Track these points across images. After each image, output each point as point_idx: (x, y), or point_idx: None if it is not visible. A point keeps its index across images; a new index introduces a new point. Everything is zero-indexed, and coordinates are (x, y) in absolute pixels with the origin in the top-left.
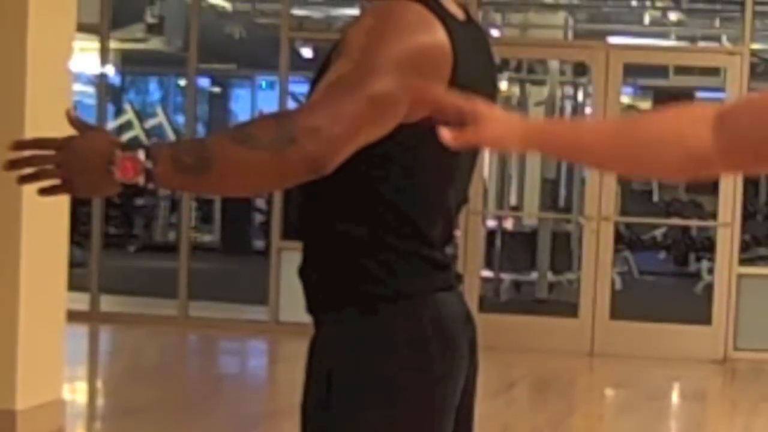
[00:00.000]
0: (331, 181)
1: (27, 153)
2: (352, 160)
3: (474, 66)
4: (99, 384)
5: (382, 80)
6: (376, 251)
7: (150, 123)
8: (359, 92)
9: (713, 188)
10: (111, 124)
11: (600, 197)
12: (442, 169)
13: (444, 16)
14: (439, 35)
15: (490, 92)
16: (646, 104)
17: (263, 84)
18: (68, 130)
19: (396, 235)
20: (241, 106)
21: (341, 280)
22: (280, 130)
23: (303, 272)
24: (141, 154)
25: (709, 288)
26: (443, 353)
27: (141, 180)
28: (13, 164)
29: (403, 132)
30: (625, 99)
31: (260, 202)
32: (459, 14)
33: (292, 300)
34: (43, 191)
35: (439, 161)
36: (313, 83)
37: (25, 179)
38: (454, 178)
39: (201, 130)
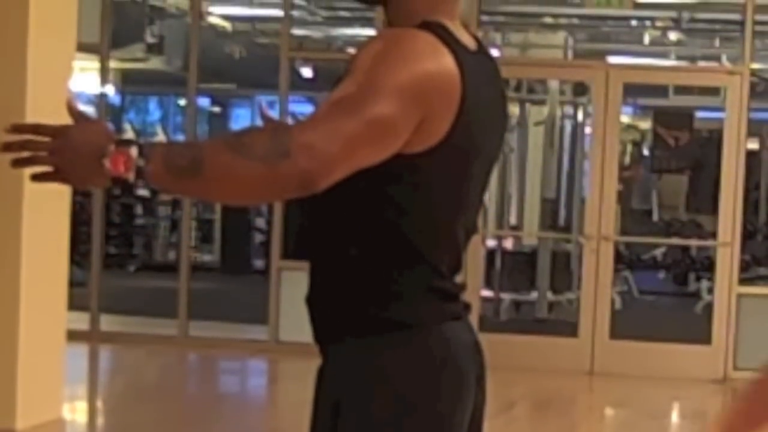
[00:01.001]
0: (341, 209)
1: (23, 137)
2: (360, 187)
3: (484, 95)
4: (99, 403)
5: (383, 104)
6: (385, 281)
7: None
8: (359, 114)
9: (713, 208)
10: None
11: (600, 217)
12: (451, 197)
13: (454, 46)
14: (448, 64)
15: (500, 122)
16: (645, 124)
17: (263, 103)
18: None
19: (405, 264)
20: (241, 126)
21: (349, 310)
22: (276, 143)
23: (310, 301)
24: (134, 151)
25: (709, 307)
26: (451, 384)
27: (131, 176)
28: (9, 147)
29: (411, 160)
30: (625, 118)
31: (260, 222)
32: (470, 44)
33: (292, 320)
34: (35, 177)
35: (448, 190)
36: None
37: (18, 163)
38: (462, 207)
39: None
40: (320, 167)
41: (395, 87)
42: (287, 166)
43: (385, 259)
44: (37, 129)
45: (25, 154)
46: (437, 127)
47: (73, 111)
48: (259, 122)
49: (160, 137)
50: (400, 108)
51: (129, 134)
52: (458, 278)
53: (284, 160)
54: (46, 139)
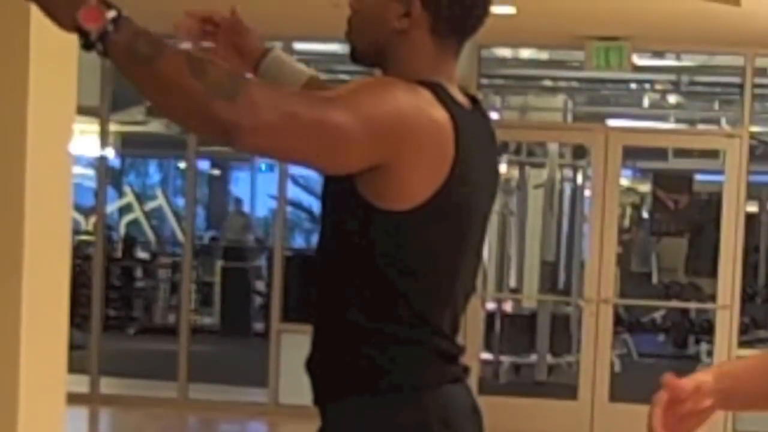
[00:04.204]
0: (342, 270)
1: None
2: (357, 248)
3: (478, 153)
4: None
5: (346, 117)
6: (385, 342)
7: (150, 205)
8: (318, 110)
9: (712, 271)
10: (111, 207)
11: (599, 280)
12: (448, 256)
13: (449, 103)
14: (440, 119)
15: (492, 180)
16: (645, 187)
17: (263, 166)
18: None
19: (405, 325)
20: (241, 189)
21: (349, 370)
22: (229, 83)
23: (311, 364)
24: (110, 15)
25: None
26: None
27: (94, 34)
28: None
29: (410, 221)
30: (625, 181)
31: (260, 285)
32: (465, 103)
33: (291, 382)
34: None
35: (445, 248)
36: None
37: None
38: (459, 266)
39: (201, 212)
40: (250, 127)
41: (369, 113)
42: (222, 107)
43: (385, 320)
44: None
45: None
46: (428, 180)
47: None
48: (258, 184)
49: (161, 200)
50: (362, 132)
51: (129, 198)
52: (457, 339)
53: (224, 101)
54: None
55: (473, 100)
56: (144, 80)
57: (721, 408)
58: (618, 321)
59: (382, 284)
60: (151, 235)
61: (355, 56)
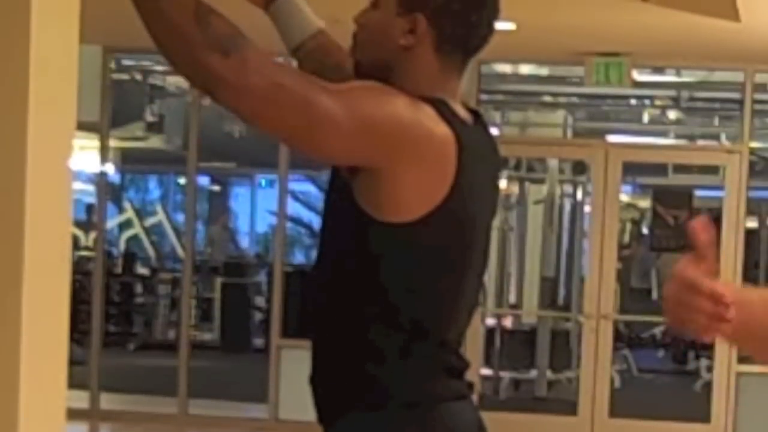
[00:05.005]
0: (344, 285)
1: None
2: (361, 262)
3: (480, 167)
4: None
5: (336, 104)
6: (390, 357)
7: (150, 221)
8: (307, 89)
9: None
10: (111, 223)
11: (599, 295)
12: (454, 273)
13: (452, 119)
14: (441, 133)
15: (493, 193)
16: (645, 202)
17: (263, 182)
18: (69, 229)
19: (410, 339)
20: (241, 204)
21: (354, 386)
22: (229, 39)
23: (314, 380)
24: None
25: (708, 386)
26: None
27: None
28: None
29: (409, 234)
30: (625, 197)
31: (260, 301)
32: (468, 118)
33: (291, 398)
34: None
35: (449, 262)
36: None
37: None
38: (465, 283)
39: (201, 228)
40: (234, 85)
41: (362, 109)
42: (214, 60)
43: (390, 335)
44: None
45: None
46: (428, 194)
47: None
48: (258, 200)
49: (160, 216)
50: (350, 124)
51: (129, 213)
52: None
53: (218, 54)
54: None
55: (476, 114)
56: (149, 13)
57: (734, 338)
58: (618, 337)
59: (384, 298)
60: (151, 250)
61: (359, 71)
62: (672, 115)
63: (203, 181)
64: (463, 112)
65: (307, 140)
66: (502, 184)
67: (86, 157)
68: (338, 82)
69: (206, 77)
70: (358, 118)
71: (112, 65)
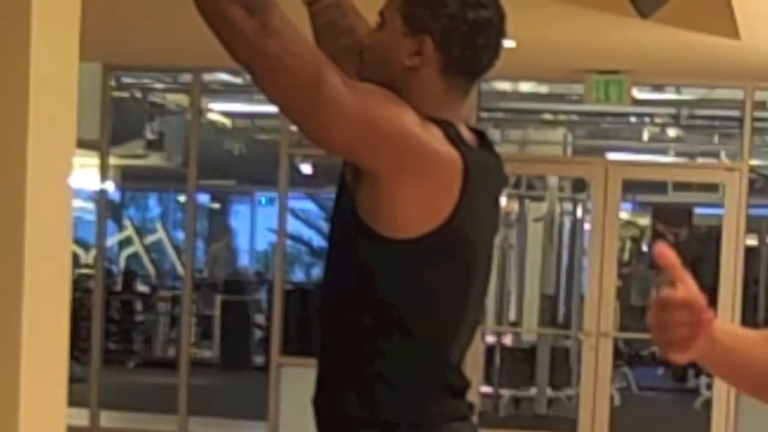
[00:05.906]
0: (347, 305)
1: None
2: (363, 279)
3: (483, 188)
4: None
5: (346, 89)
6: (395, 378)
7: (150, 239)
8: (321, 67)
9: (712, 303)
10: (111, 240)
11: (599, 313)
12: (457, 294)
13: (457, 141)
14: (447, 153)
15: (495, 212)
16: (645, 220)
17: (263, 200)
18: (69, 247)
19: (413, 360)
20: (241, 222)
21: (358, 407)
22: (273, 15)
23: (317, 401)
24: None
25: (708, 404)
26: None
27: None
28: None
29: (410, 253)
30: (624, 215)
31: (260, 318)
32: (473, 140)
33: (291, 416)
34: None
35: (453, 286)
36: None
37: None
38: (468, 303)
39: (201, 245)
40: (251, 44)
41: (371, 105)
42: (238, 14)
43: (394, 355)
44: None
45: None
46: (430, 213)
47: None
48: (258, 218)
49: (160, 234)
50: (354, 111)
51: (129, 231)
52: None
53: (243, 10)
54: None
55: (481, 135)
56: None
57: (709, 362)
58: (618, 354)
59: (385, 316)
60: (150, 268)
61: None
62: (672, 132)
63: (203, 198)
64: (467, 134)
65: (311, 117)
66: (502, 201)
67: (86, 174)
68: (348, 47)
69: (227, 29)
70: (364, 110)
71: (112, 83)
